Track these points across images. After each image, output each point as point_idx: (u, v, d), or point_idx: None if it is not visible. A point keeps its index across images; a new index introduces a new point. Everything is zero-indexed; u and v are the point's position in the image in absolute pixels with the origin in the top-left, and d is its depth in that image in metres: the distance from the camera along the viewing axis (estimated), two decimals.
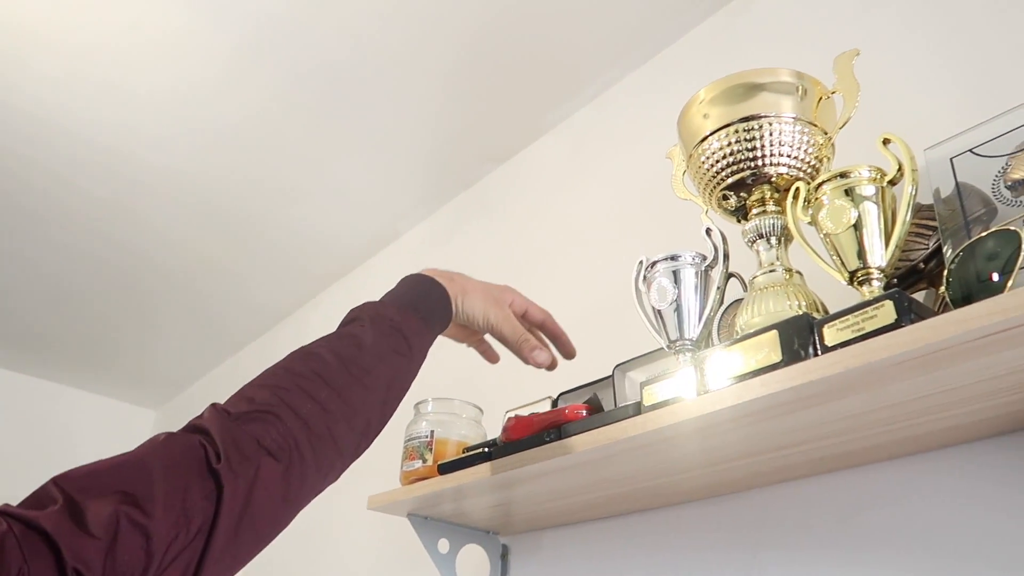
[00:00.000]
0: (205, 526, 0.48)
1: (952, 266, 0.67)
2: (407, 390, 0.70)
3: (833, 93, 0.85)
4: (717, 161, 0.85)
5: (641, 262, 0.90)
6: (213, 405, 0.56)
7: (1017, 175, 0.76)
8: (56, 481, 0.46)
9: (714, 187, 0.87)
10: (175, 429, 0.54)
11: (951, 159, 0.76)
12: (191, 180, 1.86)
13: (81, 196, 1.92)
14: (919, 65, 1.01)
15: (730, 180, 0.85)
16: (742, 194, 0.86)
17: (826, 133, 0.84)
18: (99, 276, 2.27)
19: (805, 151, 0.83)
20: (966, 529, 0.76)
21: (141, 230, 2.06)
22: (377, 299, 0.73)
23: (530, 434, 0.92)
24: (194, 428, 0.54)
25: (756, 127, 0.82)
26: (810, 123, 0.83)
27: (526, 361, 0.81)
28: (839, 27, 1.14)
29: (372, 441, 0.65)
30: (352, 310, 0.70)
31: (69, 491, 0.45)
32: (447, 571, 1.17)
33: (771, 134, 0.82)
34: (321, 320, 2.22)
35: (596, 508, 1.11)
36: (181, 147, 1.75)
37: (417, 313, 0.71)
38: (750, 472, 0.92)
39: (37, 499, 0.45)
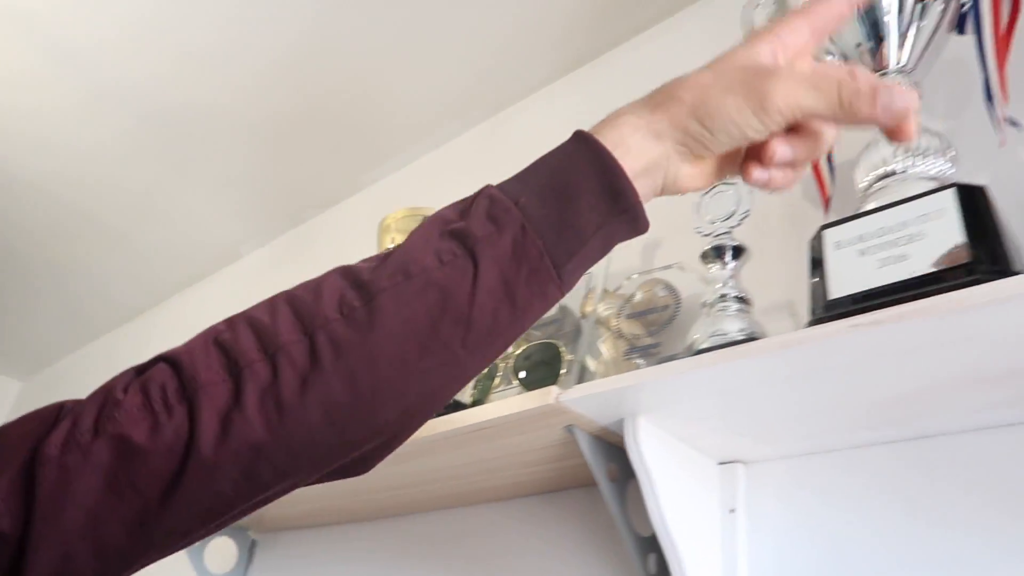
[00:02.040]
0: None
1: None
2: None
3: None
4: None
5: None
6: None
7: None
8: None
9: None
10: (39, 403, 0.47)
11: None
12: (64, 186, 2.06)
13: None
14: None
15: None
16: None
17: None
18: None
19: None
20: (531, 563, 1.06)
21: (12, 226, 2.25)
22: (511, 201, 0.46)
23: None
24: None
25: None
26: None
27: (874, 120, 0.44)
28: None
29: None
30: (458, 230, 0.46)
31: None
32: (195, 560, 1.42)
33: None
34: (171, 320, 2.46)
35: (336, 514, 1.37)
36: (55, 157, 1.95)
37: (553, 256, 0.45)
38: (404, 501, 1.22)
39: None
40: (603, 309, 1.03)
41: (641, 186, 0.47)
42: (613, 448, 0.88)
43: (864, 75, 0.44)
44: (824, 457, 0.87)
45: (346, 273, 0.46)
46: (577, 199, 0.45)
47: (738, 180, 0.91)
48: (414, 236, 0.46)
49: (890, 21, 0.83)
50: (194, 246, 2.26)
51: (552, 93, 1.59)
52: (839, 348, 0.65)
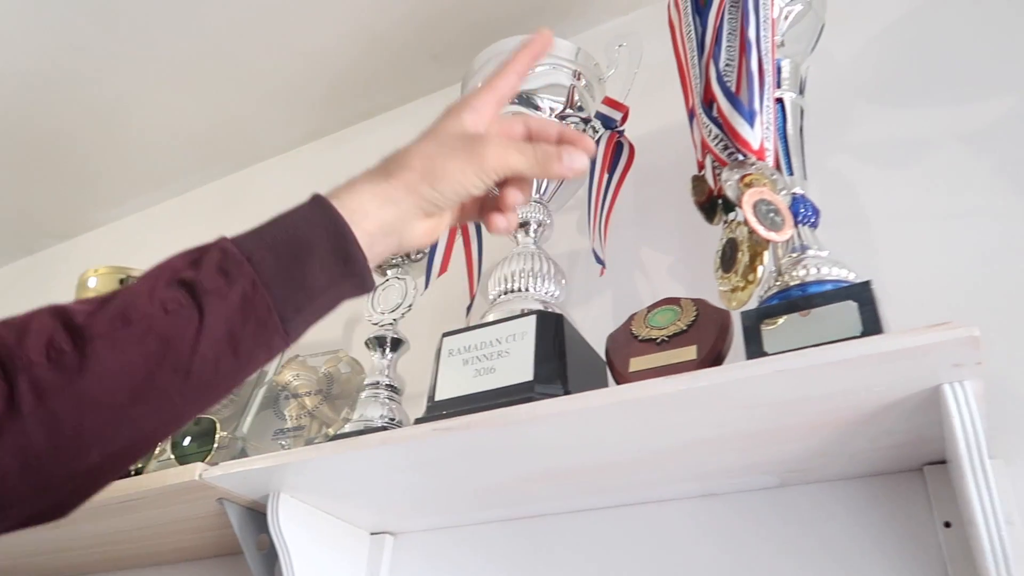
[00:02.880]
0: None
1: None
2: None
3: None
4: None
5: None
6: None
7: None
8: None
9: None
10: None
11: None
12: None
13: None
14: None
15: None
16: None
17: None
18: None
19: None
20: None
21: None
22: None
23: None
24: None
25: None
26: None
27: (561, 176, 0.57)
28: None
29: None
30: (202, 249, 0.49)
31: None
32: None
33: None
34: None
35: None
36: None
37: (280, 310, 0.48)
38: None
39: None
40: (290, 377, 1.09)
41: (380, 245, 0.53)
42: (264, 518, 0.94)
43: (558, 133, 0.60)
44: (457, 531, 0.98)
45: (58, 313, 0.45)
46: (309, 259, 0.49)
47: (408, 275, 1.02)
48: (140, 282, 0.47)
49: None
50: None
51: (297, 157, 1.65)
52: (431, 445, 0.76)
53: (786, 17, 0.86)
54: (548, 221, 0.97)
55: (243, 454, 0.96)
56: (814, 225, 0.77)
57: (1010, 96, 0.92)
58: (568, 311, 1.02)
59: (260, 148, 1.66)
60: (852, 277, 0.70)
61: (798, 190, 0.78)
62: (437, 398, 0.80)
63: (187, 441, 0.99)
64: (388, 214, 0.53)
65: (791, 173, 0.79)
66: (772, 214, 0.66)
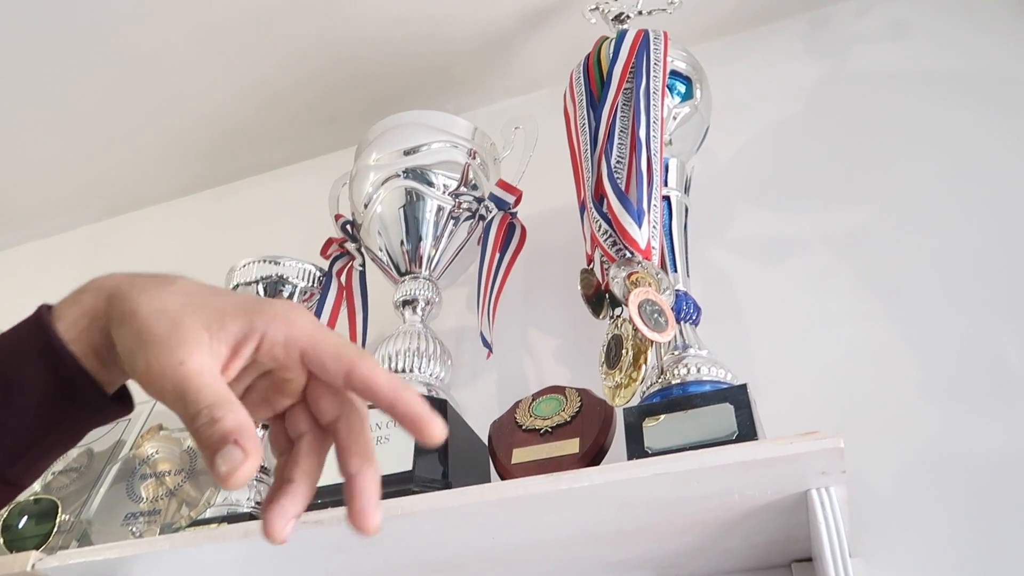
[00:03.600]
0: None
1: None
2: None
3: None
4: None
5: None
6: None
7: None
8: None
9: None
10: None
11: None
12: None
13: None
14: None
15: None
16: None
17: None
18: None
19: None
20: None
21: None
22: None
23: None
24: None
25: None
26: None
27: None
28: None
29: None
30: None
31: None
32: None
33: None
34: None
35: None
36: None
37: None
38: None
39: None
40: (150, 451, 1.01)
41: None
42: None
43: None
44: None
45: None
46: (21, 396, 0.39)
47: None
48: None
49: (427, 228, 0.98)
50: None
51: (178, 207, 1.57)
52: (296, 540, 0.71)
53: (675, 118, 0.91)
54: (436, 299, 0.96)
55: (87, 541, 0.87)
56: (695, 323, 0.79)
57: (870, 206, 0.99)
58: (453, 392, 1.01)
59: (136, 196, 1.57)
60: (730, 378, 0.72)
61: (681, 287, 0.80)
62: None
63: (23, 522, 0.89)
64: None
65: (675, 270, 0.81)
66: (656, 315, 0.67)
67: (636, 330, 0.67)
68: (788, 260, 1.00)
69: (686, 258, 0.83)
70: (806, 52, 1.19)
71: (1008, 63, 1.04)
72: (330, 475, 0.76)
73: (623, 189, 0.75)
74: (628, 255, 0.72)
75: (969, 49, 1.08)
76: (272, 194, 1.47)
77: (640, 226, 0.72)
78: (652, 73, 0.87)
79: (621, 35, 0.92)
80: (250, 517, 0.82)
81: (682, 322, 0.77)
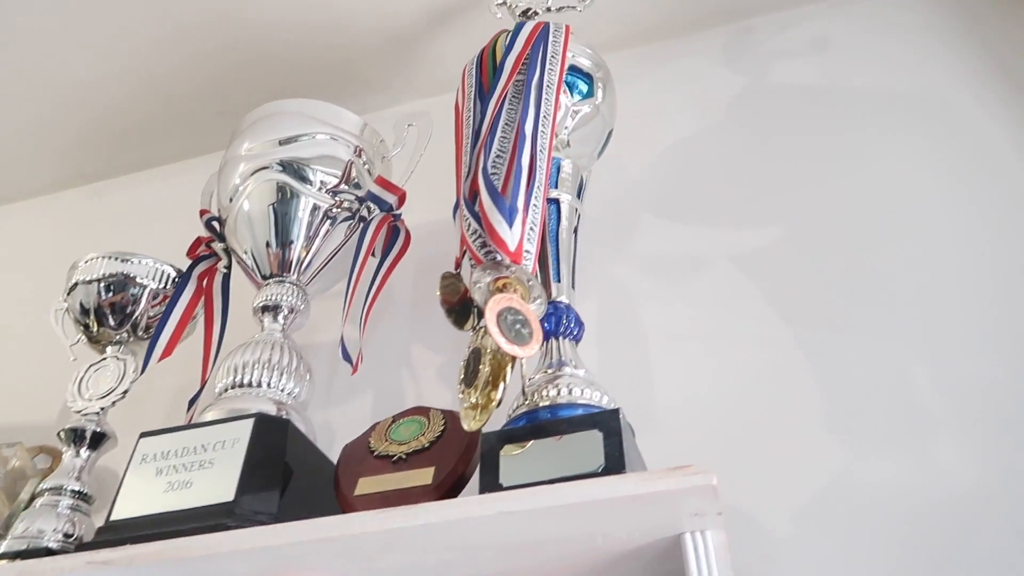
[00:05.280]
0: None
1: None
2: None
3: None
4: None
5: None
6: None
7: None
8: None
9: None
10: None
11: None
12: None
13: None
14: None
15: None
16: None
17: None
18: None
19: None
20: None
21: None
22: None
23: None
24: None
25: None
26: None
27: None
28: None
29: None
30: None
31: None
32: None
33: None
34: None
35: None
36: None
37: None
38: None
39: None
40: None
41: None
42: None
43: None
44: None
45: None
46: None
47: (131, 355, 0.86)
48: None
49: (298, 228, 0.88)
50: None
51: (38, 208, 1.43)
52: None
53: (572, 116, 0.83)
54: (302, 306, 0.85)
55: None
56: (576, 339, 0.70)
57: (779, 227, 0.93)
58: (322, 411, 0.90)
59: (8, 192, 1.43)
60: (606, 402, 0.63)
61: (563, 299, 0.71)
62: (113, 517, 0.64)
63: None
64: None
65: (558, 279, 0.72)
66: (519, 326, 0.58)
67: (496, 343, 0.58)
68: (695, 278, 0.92)
69: (573, 267, 0.75)
70: (726, 64, 1.13)
71: (928, 81, 1.00)
72: (145, 503, 0.65)
73: (498, 186, 0.66)
74: (497, 258, 0.63)
75: (891, 66, 1.03)
76: (156, 192, 1.34)
77: (511, 226, 0.62)
78: (548, 66, 0.79)
79: (519, 26, 0.84)
80: (47, 552, 0.70)
81: (560, 337, 0.68)
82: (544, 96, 0.76)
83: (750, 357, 0.83)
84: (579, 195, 0.81)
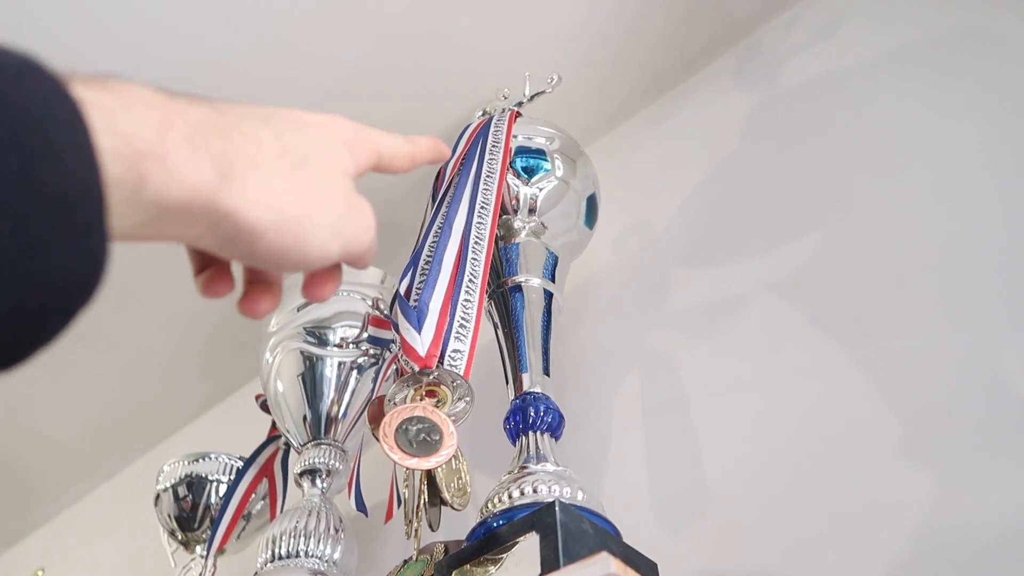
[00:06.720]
0: None
1: None
2: None
3: None
4: None
5: None
6: None
7: None
8: None
9: None
10: None
11: None
12: None
13: None
14: None
15: None
16: None
17: None
18: None
19: None
20: None
21: None
22: None
23: None
24: None
25: None
26: None
27: None
28: None
29: None
30: None
31: None
32: None
33: None
34: None
35: None
36: None
37: None
38: None
39: None
40: None
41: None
42: None
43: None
44: None
45: None
46: None
47: None
48: None
49: (327, 386, 0.89)
50: None
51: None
52: None
53: (534, 196, 0.79)
54: (339, 467, 0.85)
55: None
56: (555, 432, 0.63)
57: (815, 236, 0.79)
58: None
59: (179, 414, 1.61)
60: (580, 498, 0.55)
61: (538, 389, 0.65)
62: None
63: None
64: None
65: (525, 370, 0.66)
66: (425, 435, 0.52)
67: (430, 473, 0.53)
68: (734, 319, 0.80)
69: (545, 352, 0.68)
70: (735, 87, 1.03)
71: (958, 25, 0.84)
72: None
73: (404, 291, 0.63)
74: (416, 370, 0.58)
75: (913, 21, 0.89)
76: None
77: (420, 330, 0.58)
78: (489, 155, 0.77)
79: (465, 128, 0.84)
80: None
81: (532, 432, 0.61)
82: (482, 186, 0.73)
83: (804, 391, 0.69)
84: (552, 276, 0.75)
